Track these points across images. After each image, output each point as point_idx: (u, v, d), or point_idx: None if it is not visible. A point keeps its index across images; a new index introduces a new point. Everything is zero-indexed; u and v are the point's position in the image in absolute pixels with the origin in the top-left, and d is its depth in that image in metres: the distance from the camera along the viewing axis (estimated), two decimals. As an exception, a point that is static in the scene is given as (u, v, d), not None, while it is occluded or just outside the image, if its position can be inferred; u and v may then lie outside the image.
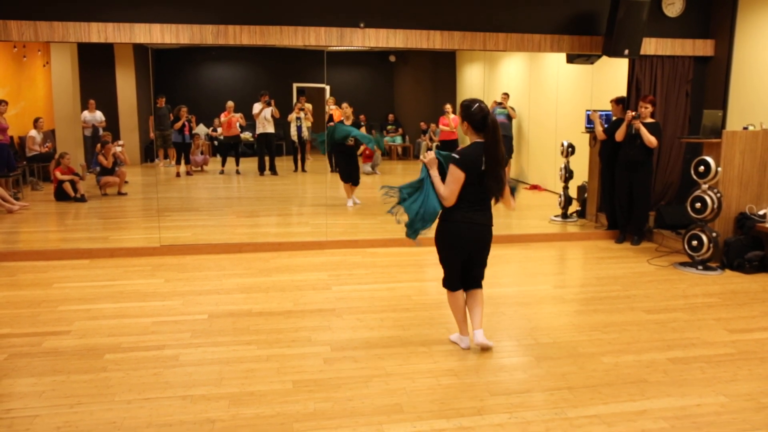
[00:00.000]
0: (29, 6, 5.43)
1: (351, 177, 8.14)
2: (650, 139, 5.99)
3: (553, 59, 9.21)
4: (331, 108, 9.95)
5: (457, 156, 3.32)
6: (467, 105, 3.31)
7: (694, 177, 5.46)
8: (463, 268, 3.55)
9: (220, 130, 10.50)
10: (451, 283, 3.57)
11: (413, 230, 3.50)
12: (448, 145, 9.34)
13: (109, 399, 2.96)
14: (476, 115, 3.28)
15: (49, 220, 7.54)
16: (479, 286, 3.62)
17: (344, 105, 8.30)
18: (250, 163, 10.56)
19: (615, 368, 3.36)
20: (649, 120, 6.12)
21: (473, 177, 3.31)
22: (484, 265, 3.60)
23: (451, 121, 9.60)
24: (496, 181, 3.32)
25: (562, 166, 7.54)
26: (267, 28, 5.79)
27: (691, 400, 3.00)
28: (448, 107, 9.69)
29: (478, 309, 3.60)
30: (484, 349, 3.56)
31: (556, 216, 7.51)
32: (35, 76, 10.49)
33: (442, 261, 3.56)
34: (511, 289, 4.82)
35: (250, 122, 10.38)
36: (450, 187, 3.33)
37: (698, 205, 5.37)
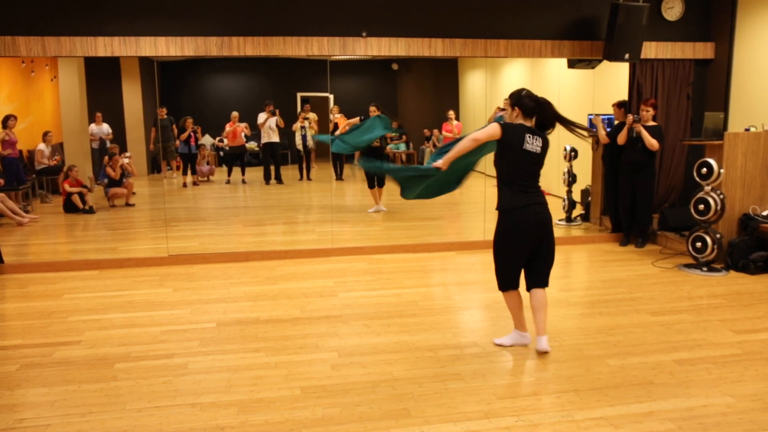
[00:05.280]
0: (37, 22, 5.51)
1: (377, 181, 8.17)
2: (651, 142, 6.01)
3: (555, 64, 9.23)
4: (336, 116, 10.02)
5: (500, 122, 3.47)
6: (516, 93, 3.49)
7: (697, 179, 5.48)
8: (527, 262, 3.50)
9: (226, 141, 10.57)
10: (506, 282, 3.56)
11: (411, 192, 3.88)
12: None
13: (120, 407, 3.00)
14: (526, 100, 3.45)
15: (58, 232, 7.62)
16: (544, 284, 3.53)
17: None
18: (255, 173, 10.63)
19: (621, 370, 3.37)
20: (651, 123, 6.14)
21: (510, 151, 3.37)
22: (550, 255, 3.50)
23: (454, 128, 9.64)
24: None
25: (566, 170, 7.57)
26: (270, 39, 5.86)
27: (698, 401, 3.01)
28: (451, 114, 9.73)
29: (542, 312, 3.53)
30: (542, 353, 3.56)
31: (560, 220, 7.52)
32: (43, 90, 10.62)
33: (502, 258, 3.51)
34: (517, 294, 4.84)
35: (255, 132, 10.45)
36: (478, 134, 3.43)
37: (701, 206, 5.38)
